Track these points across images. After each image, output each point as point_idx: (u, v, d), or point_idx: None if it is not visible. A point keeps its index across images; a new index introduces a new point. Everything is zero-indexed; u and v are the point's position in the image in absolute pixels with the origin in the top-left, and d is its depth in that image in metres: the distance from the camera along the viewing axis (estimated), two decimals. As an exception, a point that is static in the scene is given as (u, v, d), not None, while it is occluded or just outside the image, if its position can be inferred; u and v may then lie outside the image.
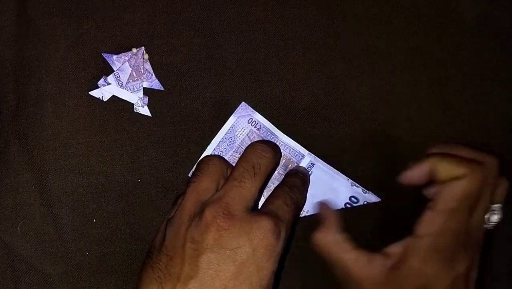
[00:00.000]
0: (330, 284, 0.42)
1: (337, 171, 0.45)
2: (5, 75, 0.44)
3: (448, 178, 0.40)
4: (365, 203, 0.45)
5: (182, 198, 0.39)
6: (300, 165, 0.45)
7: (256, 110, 0.45)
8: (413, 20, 0.48)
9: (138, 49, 0.45)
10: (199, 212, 0.37)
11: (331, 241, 0.41)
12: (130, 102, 0.45)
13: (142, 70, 0.45)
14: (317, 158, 0.45)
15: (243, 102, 0.45)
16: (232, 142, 0.45)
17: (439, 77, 0.48)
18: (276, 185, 0.42)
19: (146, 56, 0.45)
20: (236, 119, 0.45)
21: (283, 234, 0.37)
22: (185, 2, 0.46)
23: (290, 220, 0.38)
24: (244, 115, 0.45)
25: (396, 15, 0.47)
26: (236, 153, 0.45)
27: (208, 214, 0.36)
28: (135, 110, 0.45)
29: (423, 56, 0.48)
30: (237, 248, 0.35)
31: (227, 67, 0.46)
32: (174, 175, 0.45)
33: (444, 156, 0.41)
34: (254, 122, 0.45)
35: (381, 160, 0.47)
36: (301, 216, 0.44)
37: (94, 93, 0.45)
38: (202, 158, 0.41)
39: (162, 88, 0.45)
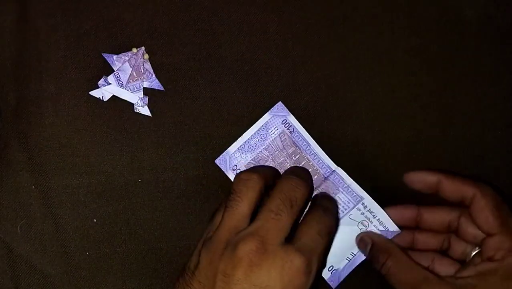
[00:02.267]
0: None
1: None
2: (5, 75, 0.44)
3: (455, 196, 0.41)
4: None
5: (218, 216, 0.39)
6: (326, 177, 0.45)
7: (256, 110, 0.45)
8: (413, 20, 0.48)
9: (138, 49, 0.45)
10: (234, 243, 0.36)
11: (404, 266, 0.40)
12: (130, 102, 0.45)
13: (142, 70, 0.45)
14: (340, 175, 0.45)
15: (280, 102, 0.45)
16: (263, 139, 0.45)
17: (439, 77, 0.48)
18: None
19: (146, 56, 0.45)
20: (271, 118, 0.45)
21: (314, 270, 0.36)
22: (185, 2, 0.46)
23: (323, 251, 0.38)
24: (279, 115, 0.45)
25: (396, 15, 0.47)
26: (266, 150, 0.45)
27: (242, 247, 0.35)
28: (135, 110, 0.45)
29: (423, 56, 0.48)
30: (267, 285, 0.35)
31: (227, 67, 0.46)
32: (174, 174, 0.45)
33: (449, 175, 0.42)
34: (288, 124, 0.45)
35: (381, 160, 0.47)
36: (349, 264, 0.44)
37: (94, 93, 0.45)
38: (240, 175, 0.39)
39: (162, 88, 0.45)
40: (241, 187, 0.38)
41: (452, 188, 0.41)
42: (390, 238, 0.44)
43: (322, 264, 0.42)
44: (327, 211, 0.40)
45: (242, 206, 0.37)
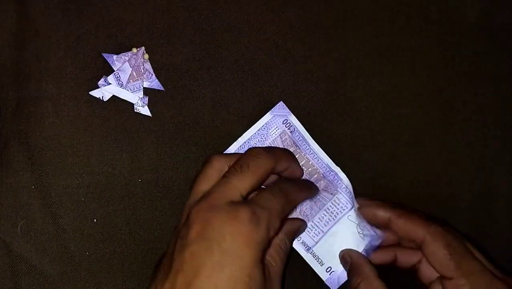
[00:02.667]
0: None
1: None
2: (5, 75, 0.44)
3: (406, 237, 0.41)
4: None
5: (197, 185, 0.40)
6: (325, 177, 0.45)
7: (256, 110, 0.45)
8: (413, 20, 0.48)
9: (138, 49, 0.45)
10: (190, 209, 0.38)
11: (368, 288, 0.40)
12: (130, 102, 0.45)
13: (142, 70, 0.45)
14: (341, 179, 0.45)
15: (281, 101, 0.45)
16: (264, 139, 0.45)
17: (439, 77, 0.48)
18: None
19: (146, 56, 0.45)
20: (272, 118, 0.45)
21: (264, 221, 0.36)
22: (185, 2, 0.46)
23: (277, 208, 0.38)
24: (280, 115, 0.45)
25: (397, 15, 0.47)
26: None
27: (194, 211, 0.37)
28: (135, 110, 0.45)
29: (423, 56, 0.48)
30: (218, 238, 0.36)
31: (227, 67, 0.46)
32: (174, 174, 0.45)
33: (400, 213, 0.42)
34: (289, 124, 0.45)
35: (381, 160, 0.47)
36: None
37: (94, 93, 0.45)
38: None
39: (162, 88, 0.45)
40: (202, 168, 0.40)
41: (402, 229, 0.41)
42: (380, 241, 0.43)
43: (296, 237, 0.43)
44: (287, 181, 0.41)
45: (201, 182, 0.39)
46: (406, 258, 0.42)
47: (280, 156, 0.41)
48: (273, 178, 0.42)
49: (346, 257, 0.43)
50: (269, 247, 0.39)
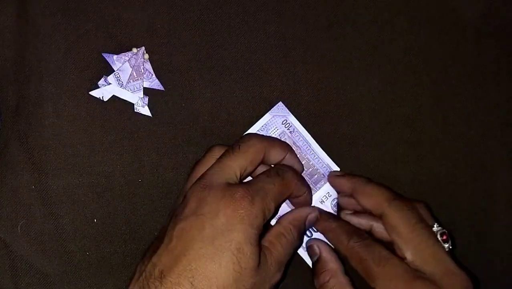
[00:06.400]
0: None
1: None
2: (5, 75, 0.44)
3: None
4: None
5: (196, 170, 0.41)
6: (326, 177, 0.45)
7: (256, 110, 0.45)
8: (413, 20, 0.48)
9: (138, 49, 0.45)
10: (186, 190, 0.38)
11: (337, 286, 0.40)
12: (130, 102, 0.45)
13: (142, 70, 0.45)
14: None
15: (280, 102, 0.45)
16: None
17: (439, 77, 0.48)
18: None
19: (147, 56, 0.45)
20: (271, 118, 0.45)
21: (258, 201, 0.37)
22: (185, 2, 0.46)
23: (272, 189, 0.38)
24: (279, 115, 0.45)
25: (396, 15, 0.47)
26: None
27: (189, 190, 0.38)
28: (135, 110, 0.45)
29: (423, 56, 0.48)
30: (211, 214, 0.36)
31: (227, 67, 0.46)
32: (174, 174, 0.45)
33: (362, 188, 0.42)
34: (288, 124, 0.45)
35: (381, 160, 0.47)
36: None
37: (94, 93, 0.45)
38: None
39: (162, 88, 0.45)
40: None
41: (361, 202, 0.42)
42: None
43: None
44: (284, 166, 0.42)
45: (198, 168, 0.40)
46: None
47: (274, 142, 0.41)
48: None
49: (315, 248, 0.43)
50: (270, 232, 0.39)
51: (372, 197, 0.41)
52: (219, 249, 0.35)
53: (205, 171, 0.39)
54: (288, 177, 0.40)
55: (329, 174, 0.44)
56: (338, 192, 0.44)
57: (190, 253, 0.35)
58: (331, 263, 0.41)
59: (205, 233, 0.35)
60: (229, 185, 0.37)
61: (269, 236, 0.39)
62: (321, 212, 0.43)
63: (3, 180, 0.44)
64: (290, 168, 0.42)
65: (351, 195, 0.43)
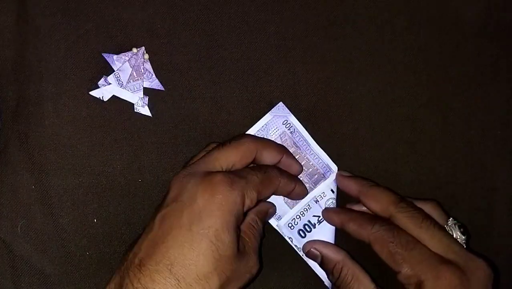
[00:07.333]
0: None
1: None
2: (5, 75, 0.44)
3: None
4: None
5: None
6: (326, 178, 0.45)
7: (256, 110, 0.45)
8: (413, 20, 0.48)
9: (138, 49, 0.45)
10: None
11: (350, 271, 0.41)
12: (130, 102, 0.45)
13: (142, 70, 0.45)
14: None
15: (280, 102, 0.45)
16: None
17: (439, 77, 0.48)
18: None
19: (147, 56, 0.45)
20: (271, 118, 0.45)
21: (238, 188, 0.37)
22: (185, 2, 0.46)
23: (254, 180, 0.39)
24: (280, 116, 0.45)
25: (396, 15, 0.47)
26: None
27: (172, 180, 0.38)
28: (135, 110, 0.45)
29: (423, 56, 0.48)
30: (190, 200, 0.36)
31: (227, 67, 0.46)
32: (174, 174, 0.45)
33: (368, 192, 0.43)
34: (289, 124, 0.45)
35: (381, 160, 0.47)
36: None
37: (94, 93, 0.45)
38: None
39: (162, 88, 0.45)
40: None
41: (368, 205, 0.42)
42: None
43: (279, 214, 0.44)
44: (271, 165, 0.42)
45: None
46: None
47: (268, 143, 0.42)
48: None
49: (314, 251, 0.43)
50: (243, 224, 0.39)
51: (378, 200, 0.42)
52: (197, 236, 0.35)
53: (191, 162, 0.40)
54: (272, 172, 0.41)
55: (337, 174, 0.45)
56: (338, 193, 0.44)
57: (168, 240, 0.35)
58: (336, 255, 0.42)
59: (183, 219, 0.36)
60: (211, 172, 0.38)
61: (243, 226, 0.39)
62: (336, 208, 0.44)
63: (3, 180, 0.44)
64: (276, 168, 0.42)
65: (357, 197, 0.43)
